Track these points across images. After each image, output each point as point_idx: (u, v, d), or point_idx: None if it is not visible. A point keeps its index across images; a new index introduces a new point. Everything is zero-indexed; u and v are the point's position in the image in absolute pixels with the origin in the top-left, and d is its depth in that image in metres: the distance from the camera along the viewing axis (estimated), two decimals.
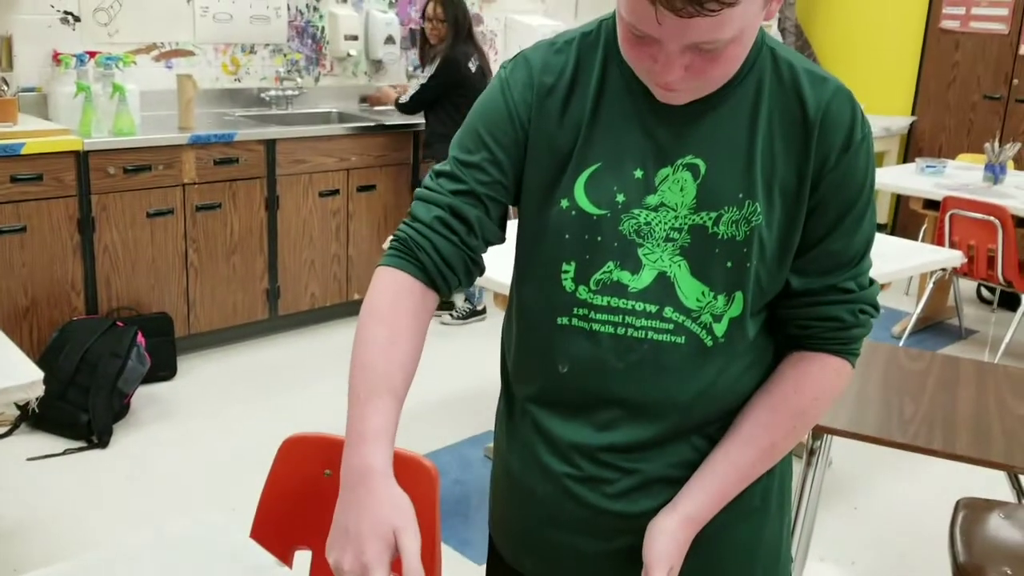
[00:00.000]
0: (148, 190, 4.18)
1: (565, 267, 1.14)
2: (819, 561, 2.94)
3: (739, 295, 1.11)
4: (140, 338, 3.80)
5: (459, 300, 5.09)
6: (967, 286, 5.83)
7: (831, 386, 1.18)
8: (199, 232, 4.38)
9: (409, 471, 1.67)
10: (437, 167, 1.18)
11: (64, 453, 3.45)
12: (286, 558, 1.73)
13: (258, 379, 4.26)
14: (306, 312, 4.86)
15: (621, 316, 1.11)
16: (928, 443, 1.94)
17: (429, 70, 4.72)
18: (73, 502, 3.13)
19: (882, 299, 5.29)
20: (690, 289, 1.10)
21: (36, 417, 3.59)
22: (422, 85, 4.70)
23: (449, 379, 4.32)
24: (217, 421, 3.82)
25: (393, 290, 1.15)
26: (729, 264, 1.09)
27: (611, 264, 1.12)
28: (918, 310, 5.11)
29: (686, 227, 1.10)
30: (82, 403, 3.55)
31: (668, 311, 1.10)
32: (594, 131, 1.13)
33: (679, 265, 1.10)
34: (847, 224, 1.12)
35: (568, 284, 1.14)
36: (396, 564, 0.99)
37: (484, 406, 4.01)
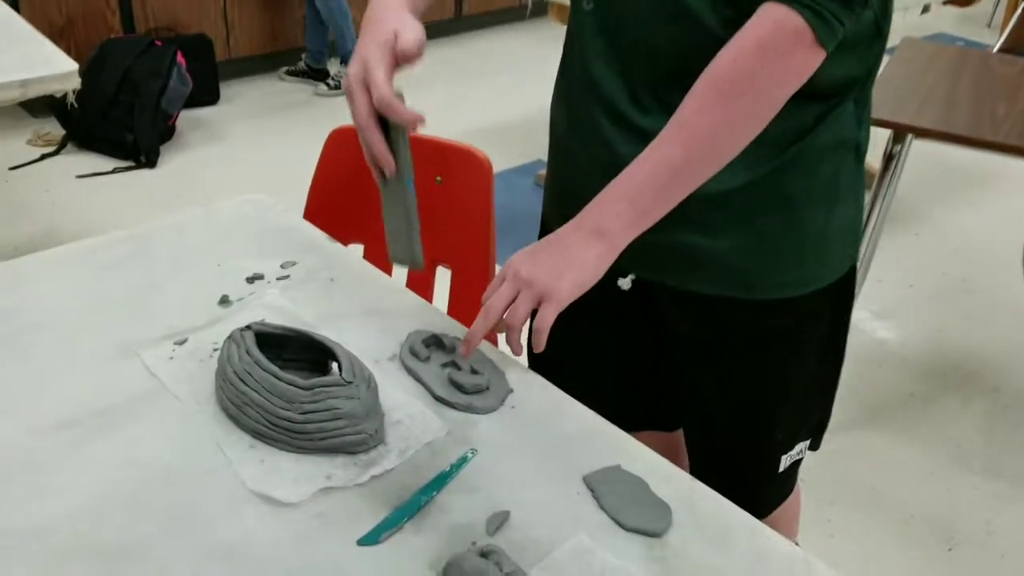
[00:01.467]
0: None
1: None
2: (876, 282, 2.88)
3: None
4: (180, 58, 3.67)
5: (334, 67, 4.47)
6: None
7: (761, 42, 0.88)
8: None
9: (462, 161, 1.58)
10: None
11: (113, 172, 3.43)
12: None
13: (302, 105, 4.16)
14: None
15: None
16: (1021, 141, 1.79)
17: None
18: (124, 218, 3.13)
19: (959, 31, 4.89)
20: None
21: (82, 136, 3.55)
22: None
23: (495, 109, 4.17)
24: (263, 143, 3.76)
25: None
26: None
27: None
28: (1000, 41, 4.76)
29: None
30: (127, 122, 3.48)
31: None
32: None
33: None
34: None
35: None
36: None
37: (532, 135, 3.89)
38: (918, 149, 2.06)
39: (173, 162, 3.56)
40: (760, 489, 1.23)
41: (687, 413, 1.25)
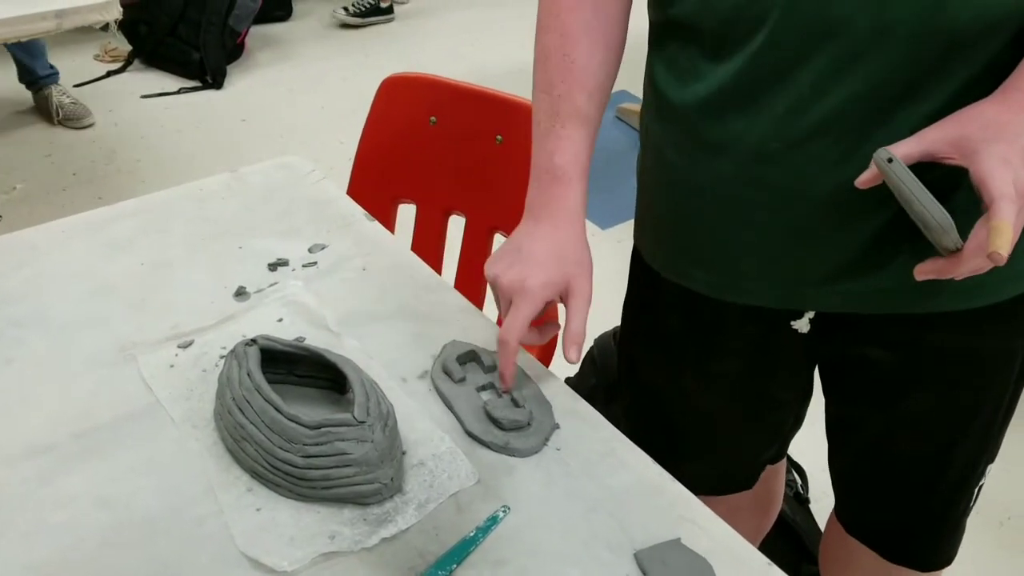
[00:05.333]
0: None
1: None
2: None
3: None
4: None
5: None
6: None
7: None
8: None
9: (525, 118, 1.41)
10: None
11: (179, 92, 3.32)
12: (389, 212, 1.55)
13: (380, 23, 3.97)
14: None
15: None
16: None
17: None
18: (188, 141, 3.03)
19: None
20: None
21: (149, 54, 3.44)
22: None
23: None
24: (334, 64, 3.60)
25: None
26: None
27: None
28: None
29: None
30: (193, 40, 3.36)
31: None
32: None
33: None
34: None
35: None
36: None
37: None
38: None
39: (241, 83, 3.43)
40: (957, 530, 1.08)
41: (861, 452, 1.06)
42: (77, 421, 0.84)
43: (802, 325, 0.96)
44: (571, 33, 0.88)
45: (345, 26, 3.92)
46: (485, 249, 1.49)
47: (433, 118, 1.48)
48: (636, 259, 1.06)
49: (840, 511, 1.13)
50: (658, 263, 1.01)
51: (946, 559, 1.09)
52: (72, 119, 3.05)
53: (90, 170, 2.86)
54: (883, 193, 0.75)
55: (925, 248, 0.77)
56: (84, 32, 3.61)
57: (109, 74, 3.39)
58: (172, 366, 0.91)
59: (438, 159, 1.52)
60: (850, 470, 1.09)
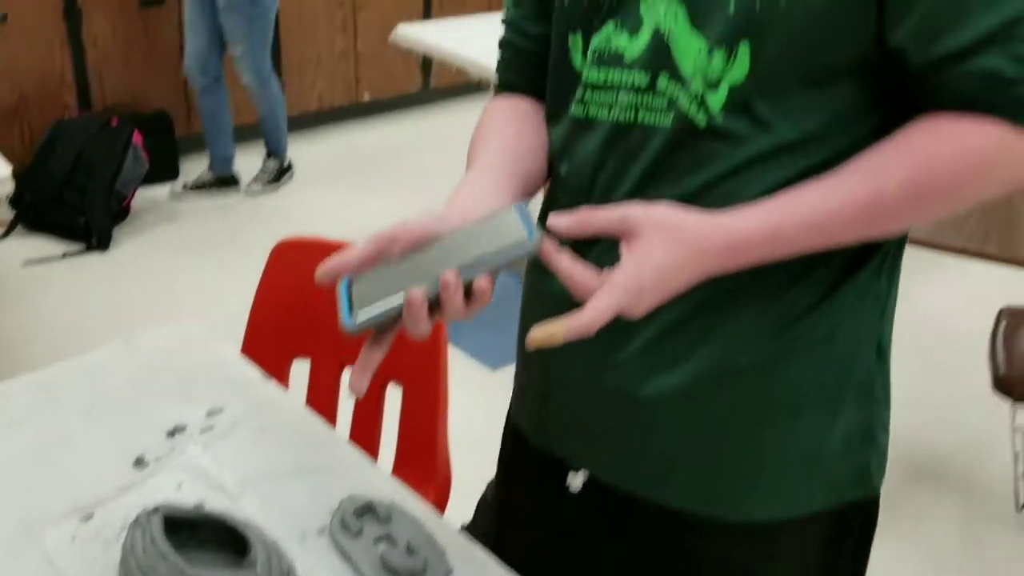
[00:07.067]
0: None
1: (572, 38, 0.91)
2: None
3: (744, 49, 0.80)
4: (136, 137, 3.59)
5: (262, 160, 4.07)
6: None
7: (980, 151, 0.76)
8: None
9: None
10: None
11: (63, 257, 3.31)
12: (283, 367, 1.60)
13: (286, 183, 4.08)
14: (314, 113, 4.60)
15: (614, 94, 0.87)
16: (983, 246, 1.74)
17: None
18: (74, 307, 3.02)
19: None
20: (687, 45, 0.82)
21: (32, 219, 3.45)
22: None
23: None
24: (220, 224, 3.66)
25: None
26: (731, 7, 0.79)
27: (611, 25, 0.87)
28: None
29: None
30: (79, 205, 3.38)
31: (662, 82, 0.84)
32: None
33: (675, 16, 0.83)
34: None
35: (577, 60, 0.91)
36: None
37: None
38: None
39: (126, 244, 3.45)
40: None
41: None
42: None
43: (575, 483, 0.97)
44: (495, 125, 0.98)
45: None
46: (379, 400, 1.55)
47: None
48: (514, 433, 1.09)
49: None
50: (512, 413, 1.07)
51: None
52: None
53: None
54: (647, 369, 0.87)
55: (689, 426, 0.88)
56: None
57: None
58: (74, 538, 0.94)
59: (333, 315, 1.58)
60: None
